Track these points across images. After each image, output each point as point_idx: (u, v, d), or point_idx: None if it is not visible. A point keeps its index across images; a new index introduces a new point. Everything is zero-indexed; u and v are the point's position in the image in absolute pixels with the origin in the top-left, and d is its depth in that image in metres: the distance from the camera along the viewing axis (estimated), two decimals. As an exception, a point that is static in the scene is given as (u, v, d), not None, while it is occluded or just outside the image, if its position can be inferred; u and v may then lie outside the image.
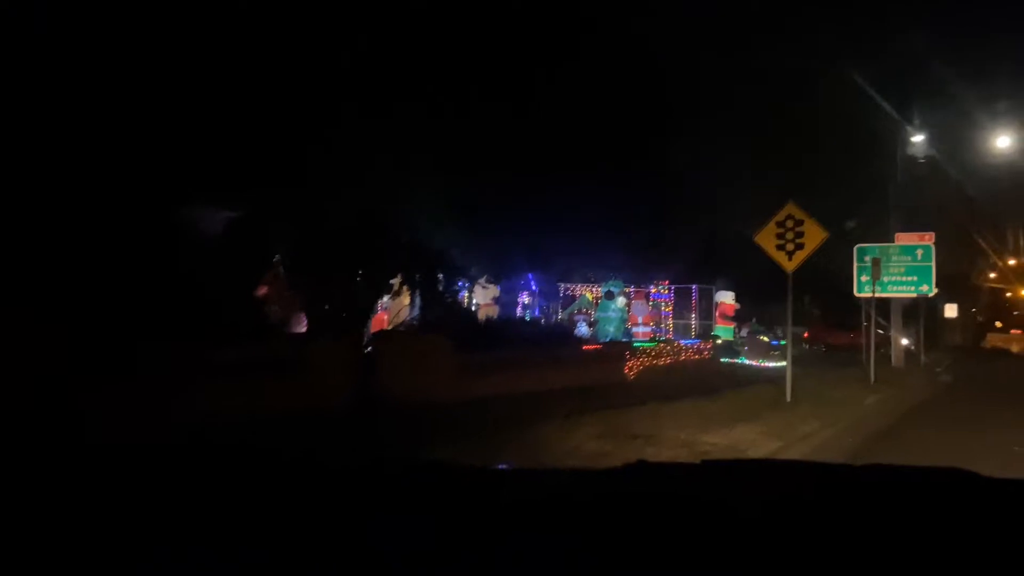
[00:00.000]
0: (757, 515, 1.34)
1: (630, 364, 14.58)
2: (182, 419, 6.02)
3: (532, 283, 19.00)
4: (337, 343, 9.38)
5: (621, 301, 21.88)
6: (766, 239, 11.07)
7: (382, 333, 11.32)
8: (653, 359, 16.03)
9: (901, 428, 9.93)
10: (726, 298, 22.58)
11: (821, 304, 32.80)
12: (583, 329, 22.43)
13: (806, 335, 31.98)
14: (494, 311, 18.68)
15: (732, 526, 1.29)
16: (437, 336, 10.78)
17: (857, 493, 1.54)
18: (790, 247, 10.89)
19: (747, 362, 20.78)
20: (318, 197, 11.79)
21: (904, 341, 29.10)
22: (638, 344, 16.41)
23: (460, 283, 16.52)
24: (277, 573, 1.14)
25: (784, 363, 21.76)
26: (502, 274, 17.88)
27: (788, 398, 10.70)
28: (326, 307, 11.16)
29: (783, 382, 13.44)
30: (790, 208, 10.98)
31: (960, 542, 1.20)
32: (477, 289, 19.38)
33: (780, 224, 10.99)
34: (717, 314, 22.48)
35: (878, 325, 23.90)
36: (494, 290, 18.73)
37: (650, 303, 22.84)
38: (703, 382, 12.91)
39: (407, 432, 6.95)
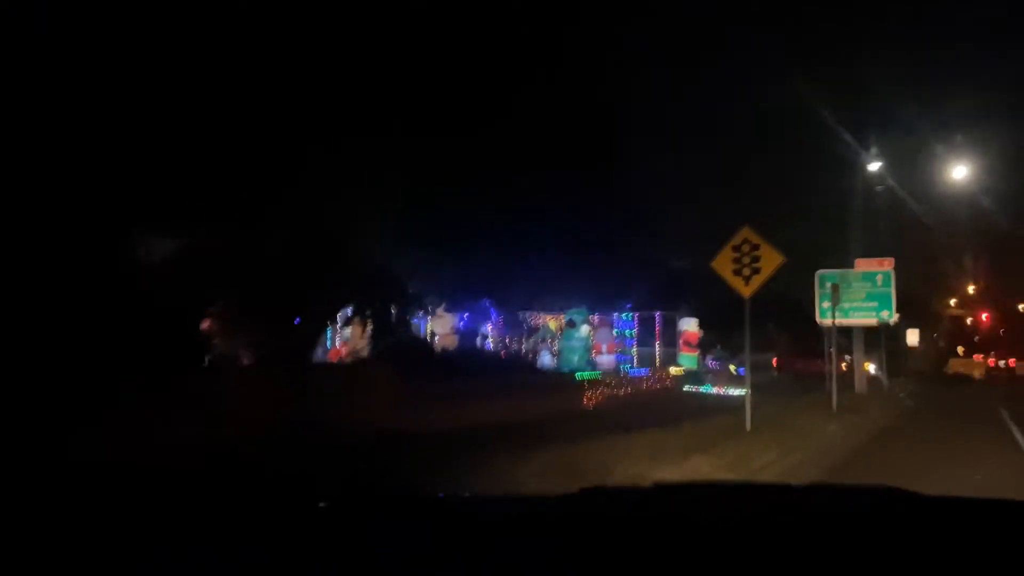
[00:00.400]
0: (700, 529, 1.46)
1: (589, 394, 14.23)
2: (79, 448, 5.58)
3: (492, 313, 18.62)
4: (261, 375, 8.90)
5: (585, 330, 21.58)
6: (723, 265, 10.84)
7: (324, 364, 10.86)
8: (614, 389, 15.70)
9: (862, 456, 9.67)
10: (690, 326, 22.40)
11: (788, 332, 32.85)
12: (546, 359, 22.05)
13: (775, 362, 31.93)
14: (452, 341, 18.24)
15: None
16: (380, 366, 10.36)
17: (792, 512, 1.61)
18: (747, 272, 10.67)
19: (712, 390, 20.52)
20: (264, 226, 11.36)
21: (871, 367, 29.20)
22: (596, 374, 16.08)
23: (418, 314, 16.10)
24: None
25: (747, 390, 21.83)
26: (460, 303, 17.47)
27: (748, 427, 10.39)
28: (264, 342, 10.66)
29: (741, 411, 13.22)
30: (746, 233, 10.77)
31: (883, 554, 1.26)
32: (435, 319, 18.95)
33: (736, 248, 10.77)
34: (681, 342, 22.28)
35: (845, 352, 23.98)
36: (451, 320, 18.30)
37: (614, 331, 22.58)
38: (664, 412, 12.59)
39: (321, 464, 6.44)
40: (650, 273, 22.94)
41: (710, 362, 23.16)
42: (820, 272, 19.09)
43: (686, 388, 19.75)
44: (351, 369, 10.89)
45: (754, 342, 35.87)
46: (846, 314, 20.33)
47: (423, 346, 14.56)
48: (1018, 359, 55.37)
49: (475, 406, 10.96)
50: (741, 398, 19.90)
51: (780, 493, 2.08)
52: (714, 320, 25.96)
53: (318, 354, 13.41)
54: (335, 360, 12.95)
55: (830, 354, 17.22)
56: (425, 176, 14.18)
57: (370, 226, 12.95)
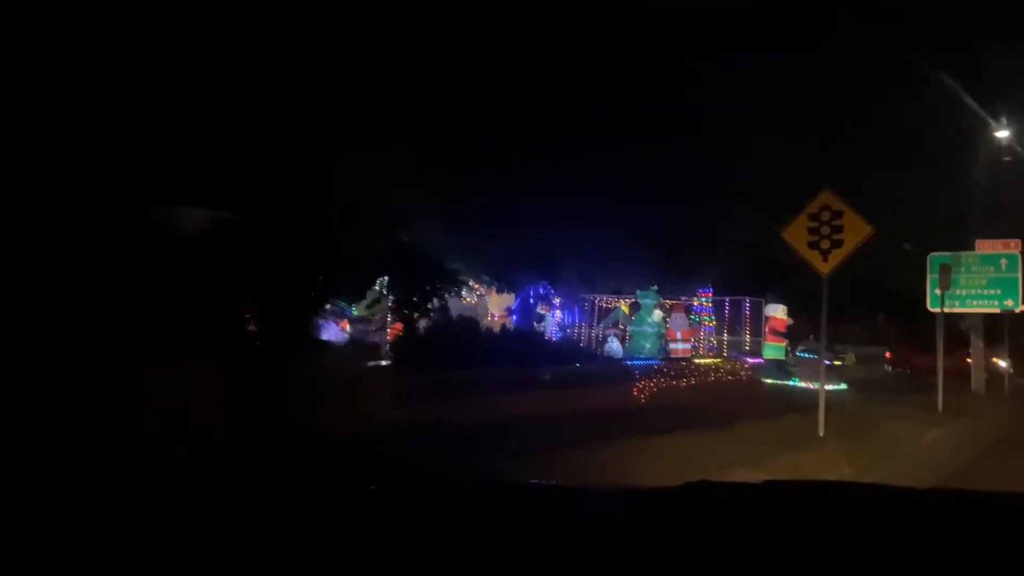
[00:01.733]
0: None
1: (645, 387, 12.58)
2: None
3: (550, 293, 17.14)
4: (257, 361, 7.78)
5: (658, 315, 19.81)
6: (797, 235, 8.98)
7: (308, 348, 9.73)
8: (678, 380, 13.99)
9: (965, 477, 7.67)
10: (777, 312, 20.18)
11: (903, 324, 29.88)
12: (614, 345, 20.44)
13: (888, 355, 29.18)
14: (508, 322, 16.92)
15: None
16: (403, 352, 9.16)
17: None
18: (825, 245, 8.78)
19: (799, 384, 18.35)
20: (285, 200, 10.34)
21: (1003, 363, 26.04)
22: (659, 363, 14.39)
23: (461, 292, 14.84)
24: None
25: (843, 385, 19.46)
26: (514, 282, 16.10)
27: (821, 432, 8.55)
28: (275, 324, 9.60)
29: (829, 410, 11.27)
30: (825, 197, 8.87)
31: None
32: (492, 298, 17.66)
33: (813, 217, 8.89)
34: (767, 330, 20.12)
35: (970, 345, 21.28)
36: (507, 300, 16.96)
37: (691, 317, 20.67)
38: (727, 409, 10.83)
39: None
40: (736, 254, 20.85)
41: (814, 353, 20.80)
42: (932, 255, 16.50)
43: (771, 380, 17.67)
44: (337, 354, 9.80)
45: (861, 335, 32.90)
46: (963, 302, 17.85)
47: (467, 329, 13.25)
48: None
49: (506, 399, 9.62)
50: (832, 394, 17.82)
51: (896, 493, 1.88)
52: (808, 306, 23.60)
53: (336, 334, 12.39)
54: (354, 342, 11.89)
55: (936, 347, 14.79)
56: (470, 147, 12.93)
57: (403, 200, 11.76)
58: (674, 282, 20.34)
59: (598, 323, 21.16)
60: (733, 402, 11.88)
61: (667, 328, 19.95)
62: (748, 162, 18.49)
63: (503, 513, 1.52)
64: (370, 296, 12.76)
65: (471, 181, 13.63)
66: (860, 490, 2.08)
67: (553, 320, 17.20)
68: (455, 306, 17.52)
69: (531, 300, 17.01)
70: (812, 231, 8.85)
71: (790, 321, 20.53)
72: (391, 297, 12.43)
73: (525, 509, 1.57)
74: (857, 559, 1.21)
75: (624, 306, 20.68)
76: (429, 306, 12.55)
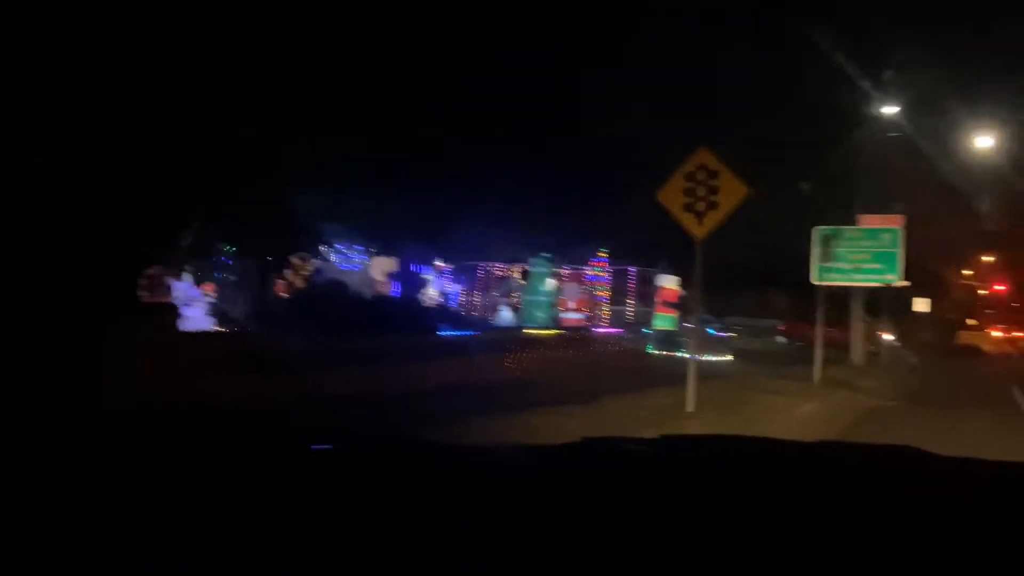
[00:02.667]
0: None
1: (527, 357, 11.93)
2: None
3: (434, 259, 16.22)
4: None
5: (551, 283, 19.26)
6: (671, 197, 8.38)
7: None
8: (563, 351, 13.41)
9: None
10: (668, 283, 19.96)
11: (792, 297, 30.57)
12: (506, 314, 19.80)
13: (783, 328, 29.78)
14: (387, 288, 15.94)
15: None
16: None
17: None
18: (701, 206, 8.21)
19: (686, 356, 18.19)
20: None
21: (888, 336, 26.91)
22: (537, 332, 13.76)
23: (337, 255, 13.74)
24: None
25: (728, 357, 19.50)
26: (390, 246, 15.10)
27: (689, 407, 8.04)
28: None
29: (706, 383, 10.88)
30: (703, 156, 8.28)
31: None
32: (375, 262, 16.62)
33: (689, 177, 8.30)
34: (658, 300, 19.88)
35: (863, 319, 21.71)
36: (390, 265, 15.96)
37: (585, 286, 20.23)
38: (604, 382, 10.28)
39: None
40: (632, 223, 20.45)
41: (692, 323, 20.71)
42: (817, 228, 16.42)
43: (653, 352, 17.45)
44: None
45: (753, 306, 33.46)
46: (847, 276, 17.98)
47: (332, 294, 12.18)
48: (1024, 332, 53.25)
49: (358, 371, 8.74)
50: (717, 365, 17.74)
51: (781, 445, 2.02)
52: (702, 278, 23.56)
53: (190, 299, 11.18)
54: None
55: (815, 320, 14.76)
56: (353, 105, 11.81)
57: (270, 154, 10.56)
58: (569, 251, 19.81)
59: (492, 292, 20.47)
60: (608, 375, 11.36)
61: (560, 297, 19.46)
62: (646, 131, 18.02)
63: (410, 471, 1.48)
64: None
65: (351, 139, 12.52)
66: (750, 442, 2.15)
67: (438, 287, 16.31)
68: (335, 271, 16.41)
69: (414, 266, 16.04)
70: (687, 192, 8.26)
71: (682, 292, 20.35)
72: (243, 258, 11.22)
73: (431, 466, 1.56)
74: (746, 505, 1.23)
75: (517, 274, 20.06)
76: (289, 270, 11.45)
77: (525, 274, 18.57)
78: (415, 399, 8.62)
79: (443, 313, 14.69)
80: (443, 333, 11.94)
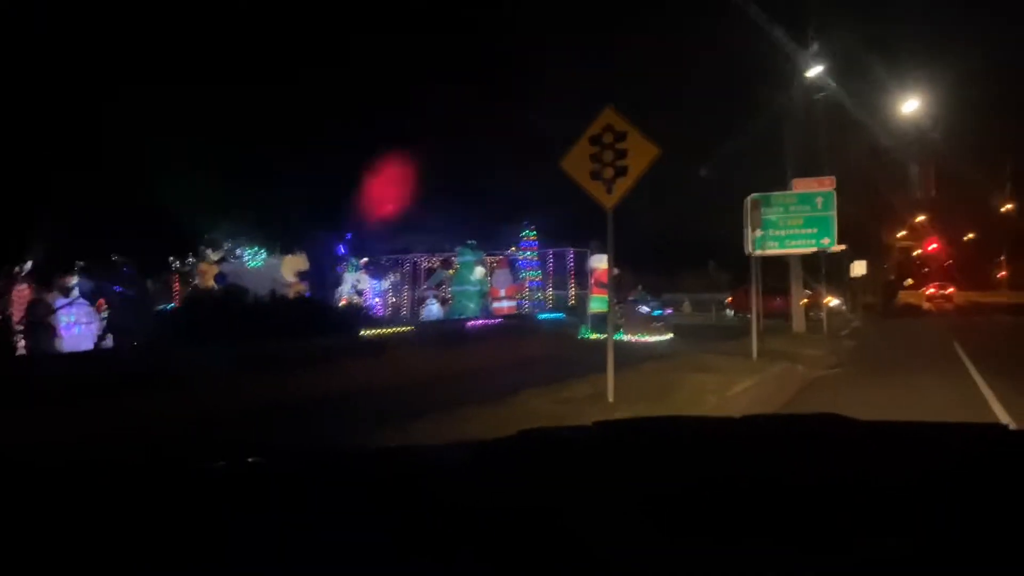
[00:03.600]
0: None
1: (446, 352, 10.97)
2: None
3: (349, 253, 15.09)
4: None
5: (480, 272, 18.29)
6: (577, 164, 7.50)
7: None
8: (483, 343, 12.51)
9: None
10: (601, 262, 19.17)
11: (733, 270, 30.29)
12: (434, 308, 18.79)
13: (729, 300, 29.52)
14: (302, 289, 14.79)
15: None
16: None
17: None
18: (608, 173, 7.35)
19: (624, 337, 17.48)
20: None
21: (834, 301, 26.69)
22: (464, 325, 12.83)
23: (227, 254, 12.54)
24: None
25: (668, 335, 18.86)
26: (295, 242, 13.94)
27: (610, 397, 7.20)
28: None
29: (637, 366, 10.13)
30: (609, 116, 7.41)
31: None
32: (285, 262, 15.42)
33: (595, 140, 7.42)
34: (591, 282, 19.08)
35: (804, 286, 21.33)
36: (299, 262, 14.79)
37: (516, 273, 19.32)
38: (527, 373, 9.42)
39: None
40: (559, 202, 19.62)
41: (629, 305, 19.98)
42: (751, 196, 15.72)
43: (589, 336, 16.70)
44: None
45: (695, 282, 33.11)
46: (782, 243, 17.52)
47: (236, 298, 11.02)
48: (958, 288, 54.82)
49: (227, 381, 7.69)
50: (656, 346, 17.06)
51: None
52: (637, 258, 22.99)
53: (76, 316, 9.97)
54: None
55: (748, 290, 14.13)
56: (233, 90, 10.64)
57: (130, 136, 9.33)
58: (497, 235, 18.88)
59: (417, 285, 19.47)
60: (536, 365, 10.48)
61: (491, 286, 18.53)
62: (564, 101, 17.16)
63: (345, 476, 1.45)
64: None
65: (243, 119, 11.35)
66: (686, 421, 2.17)
67: (352, 284, 15.20)
68: (240, 272, 15.20)
69: (327, 263, 14.90)
70: (594, 158, 7.40)
71: (615, 271, 19.60)
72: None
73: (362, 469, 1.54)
74: (683, 484, 1.23)
75: (439, 265, 19.09)
76: (190, 275, 10.27)
77: (450, 264, 17.56)
78: (324, 406, 7.68)
79: (360, 312, 13.62)
80: (359, 333, 10.88)
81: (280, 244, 14.28)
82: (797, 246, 17.88)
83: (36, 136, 8.16)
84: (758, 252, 16.68)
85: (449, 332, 12.88)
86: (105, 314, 12.23)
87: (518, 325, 14.63)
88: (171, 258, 11.83)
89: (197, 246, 11.38)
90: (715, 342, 15.47)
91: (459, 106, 14.57)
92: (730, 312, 28.97)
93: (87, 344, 11.48)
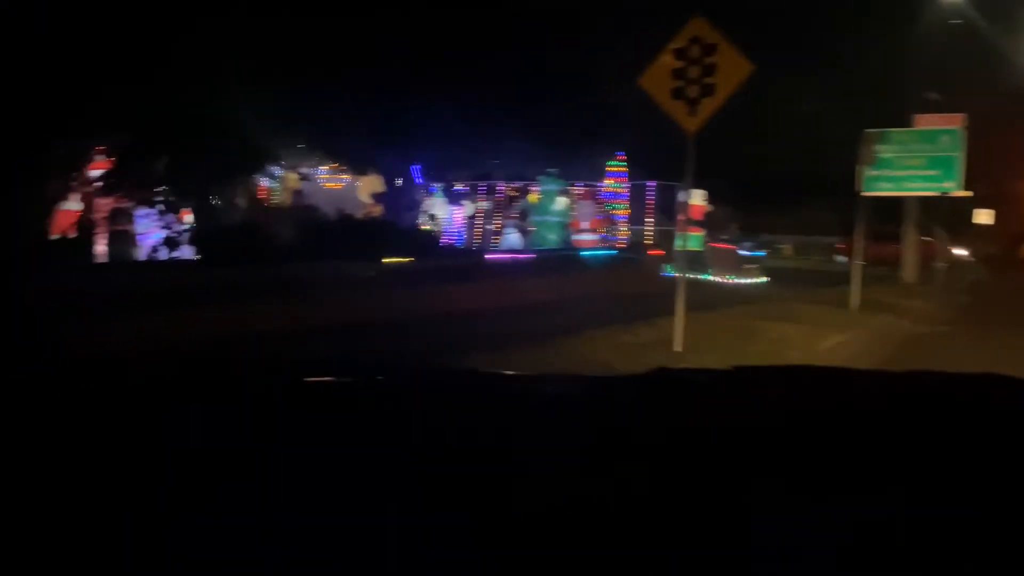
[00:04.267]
0: None
1: (519, 284, 10.41)
2: None
3: (419, 176, 14.56)
4: None
5: (562, 202, 17.55)
6: (657, 81, 6.61)
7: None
8: (559, 275, 11.87)
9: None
10: (694, 199, 18.01)
11: (843, 210, 28.23)
12: (512, 238, 18.23)
13: (840, 246, 27.37)
14: (377, 211, 14.49)
15: None
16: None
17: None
18: (693, 92, 6.44)
19: (711, 278, 16.48)
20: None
21: (959, 251, 24.45)
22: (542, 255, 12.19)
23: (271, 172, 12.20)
24: None
25: (762, 279, 17.66)
26: (372, 163, 13.51)
27: (677, 346, 6.48)
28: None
29: (716, 312, 9.30)
30: (697, 27, 6.45)
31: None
32: (362, 183, 15.13)
33: (680, 54, 6.50)
34: (681, 218, 18.00)
35: (924, 232, 19.60)
36: (376, 184, 14.45)
37: (600, 204, 18.46)
38: (595, 312, 8.77)
39: None
40: (654, 132, 18.43)
41: (722, 243, 18.77)
42: (867, 131, 14.12)
43: (673, 274, 15.75)
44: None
45: (798, 223, 31.07)
46: (898, 184, 15.91)
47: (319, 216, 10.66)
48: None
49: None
50: (747, 288, 15.98)
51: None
52: (736, 194, 21.58)
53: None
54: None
55: (859, 234, 12.81)
56: None
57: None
58: (583, 164, 17.97)
59: (497, 213, 18.93)
60: (608, 302, 9.79)
61: (573, 217, 17.78)
62: (667, 15, 15.81)
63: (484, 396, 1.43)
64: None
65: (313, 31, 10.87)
66: (833, 373, 1.90)
67: (426, 210, 14.70)
68: (319, 191, 15.05)
69: (402, 187, 14.46)
70: (677, 74, 6.49)
71: (709, 208, 18.43)
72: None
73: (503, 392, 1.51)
74: (830, 440, 1.13)
75: (531, 195, 18.39)
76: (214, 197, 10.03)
77: (529, 192, 16.85)
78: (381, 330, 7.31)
79: (428, 238, 13.17)
80: (431, 258, 10.44)
81: (356, 165, 13.93)
82: (915, 189, 16.24)
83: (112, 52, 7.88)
84: (869, 193, 15.33)
85: (519, 263, 12.30)
86: (187, 224, 12.26)
87: (594, 259, 13.87)
88: (252, 174, 11.67)
89: (269, 164, 11.11)
90: (814, 289, 14.27)
91: (541, 23, 13.56)
92: (841, 258, 26.64)
93: (167, 253, 11.55)
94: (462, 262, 10.59)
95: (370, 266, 8.64)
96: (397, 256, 9.50)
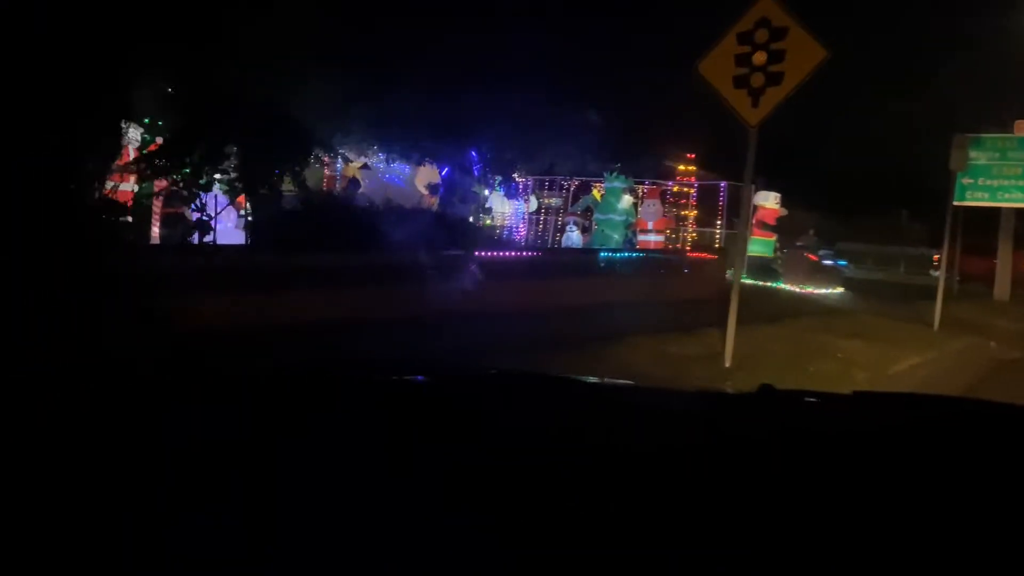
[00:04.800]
0: None
1: (569, 285, 9.87)
2: None
3: (481, 168, 14.16)
4: None
5: (627, 200, 16.87)
6: (718, 68, 5.98)
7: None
8: (614, 278, 11.28)
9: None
10: (767, 201, 17.11)
11: (931, 219, 26.48)
12: (573, 236, 17.65)
13: (938, 259, 25.37)
14: (433, 202, 14.18)
15: None
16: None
17: None
18: (758, 80, 5.79)
19: (782, 285, 15.57)
20: None
21: None
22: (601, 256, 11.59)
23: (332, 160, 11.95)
24: None
25: (839, 289, 16.57)
26: (426, 152, 13.17)
27: (727, 362, 5.85)
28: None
29: (783, 323, 8.60)
30: (765, 7, 5.79)
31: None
32: (419, 173, 14.85)
33: (745, 38, 5.86)
34: (753, 221, 17.10)
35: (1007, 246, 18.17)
36: (432, 174, 14.13)
37: (667, 205, 17.69)
38: (636, 316, 8.17)
39: None
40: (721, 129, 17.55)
41: (795, 251, 17.75)
42: (959, 136, 12.89)
43: (745, 281, 14.94)
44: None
45: (881, 232, 29.42)
46: (993, 195, 14.82)
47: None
48: None
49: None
50: (824, 299, 14.97)
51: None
52: (812, 197, 20.45)
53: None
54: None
55: (946, 246, 11.71)
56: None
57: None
58: (648, 161, 17.26)
59: (557, 209, 18.40)
60: (663, 308, 9.15)
61: (638, 217, 17.09)
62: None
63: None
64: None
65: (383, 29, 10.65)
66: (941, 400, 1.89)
67: (480, 203, 14.25)
68: (377, 179, 14.86)
69: (458, 178, 14.09)
70: (741, 60, 5.84)
71: (783, 212, 17.46)
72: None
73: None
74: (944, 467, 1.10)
75: (596, 191, 17.79)
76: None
77: (588, 188, 16.25)
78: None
79: (481, 233, 12.75)
80: (481, 253, 9.98)
81: (413, 155, 13.63)
82: (1012, 200, 15.16)
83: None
84: (962, 203, 14.25)
85: (574, 262, 11.76)
86: (246, 210, 12.18)
87: (658, 261, 13.19)
88: (310, 162, 11.52)
89: (328, 152, 10.88)
90: (894, 303, 13.22)
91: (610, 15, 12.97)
92: (935, 273, 24.50)
93: (222, 238, 11.48)
94: (515, 258, 10.12)
95: (420, 258, 8.30)
96: (446, 250, 9.14)
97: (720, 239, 16.76)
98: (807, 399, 1.64)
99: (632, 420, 1.24)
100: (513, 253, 10.32)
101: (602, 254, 12.44)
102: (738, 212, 17.58)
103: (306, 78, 9.67)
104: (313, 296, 7.31)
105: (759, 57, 5.74)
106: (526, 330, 6.87)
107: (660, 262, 12.60)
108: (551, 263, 10.88)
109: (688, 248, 16.00)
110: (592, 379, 1.78)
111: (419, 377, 1.60)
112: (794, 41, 5.66)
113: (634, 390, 1.77)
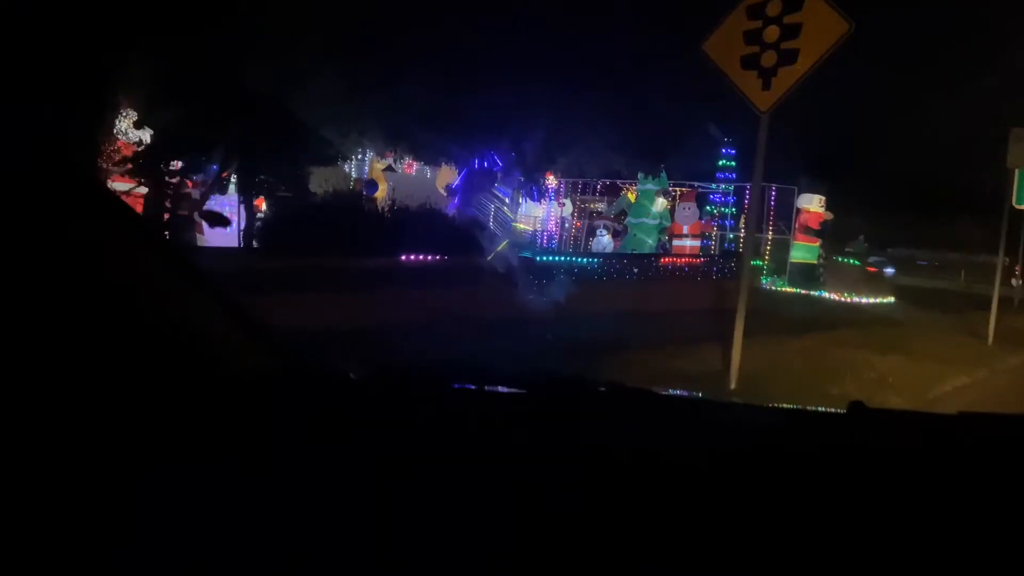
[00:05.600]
0: None
1: (587, 292, 9.19)
2: None
3: (501, 168, 13.51)
4: None
5: (661, 203, 16.06)
6: (725, 46, 5.25)
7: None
8: (637, 286, 10.54)
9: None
10: (810, 204, 16.10)
11: (993, 225, 24.75)
12: (603, 240, 16.93)
13: (1018, 268, 22.44)
14: (445, 204, 13.64)
15: None
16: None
17: None
18: (769, 59, 5.05)
19: (825, 295, 14.57)
20: None
21: None
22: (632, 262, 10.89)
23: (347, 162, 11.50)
24: None
25: (889, 299, 15.40)
26: (442, 152, 12.63)
27: (732, 383, 5.10)
28: None
29: (815, 335, 7.77)
30: (779, -26, 5.06)
31: None
32: (440, 173, 14.33)
33: (754, 12, 5.12)
34: (797, 226, 16.12)
35: None
36: (450, 175, 13.60)
37: (706, 208, 16.81)
38: (648, 327, 7.47)
39: None
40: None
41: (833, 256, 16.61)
42: (1016, 129, 11.68)
43: (781, 289, 14.02)
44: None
45: (937, 237, 27.57)
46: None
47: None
48: None
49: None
50: (871, 309, 13.91)
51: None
52: (860, 200, 19.28)
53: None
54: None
55: (1001, 252, 10.61)
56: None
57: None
58: (685, 161, 16.39)
59: (587, 213, 17.72)
60: (683, 319, 8.38)
61: (673, 221, 16.26)
62: None
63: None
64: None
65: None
66: None
67: (499, 205, 13.57)
68: (401, 180, 14.42)
69: (477, 180, 13.49)
70: (750, 38, 5.11)
71: (828, 216, 16.43)
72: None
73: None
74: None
75: (631, 194, 17.01)
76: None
77: (617, 190, 15.51)
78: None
79: (496, 236, 12.13)
80: (477, 257, 9.42)
81: (434, 156, 13.11)
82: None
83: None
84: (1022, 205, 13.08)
85: (598, 267, 11.04)
86: (263, 213, 11.84)
87: (692, 268, 12.38)
88: (329, 163, 11.13)
89: (348, 153, 10.46)
90: (948, 315, 12.15)
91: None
92: (1017, 282, 21.61)
93: (232, 241, 11.16)
94: (542, 263, 9.57)
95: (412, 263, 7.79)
96: (462, 254, 8.64)
97: (766, 245, 15.76)
98: (903, 418, 1.53)
99: (730, 444, 1.17)
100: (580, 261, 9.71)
101: (631, 260, 11.73)
102: (788, 217, 16.71)
103: (332, 82, 9.23)
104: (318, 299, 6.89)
105: (771, 33, 5.00)
106: (519, 338, 6.26)
107: (670, 269, 11.85)
108: (572, 268, 10.22)
109: (712, 255, 15.11)
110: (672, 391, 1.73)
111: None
112: (811, 12, 4.90)
113: (728, 408, 1.72)
